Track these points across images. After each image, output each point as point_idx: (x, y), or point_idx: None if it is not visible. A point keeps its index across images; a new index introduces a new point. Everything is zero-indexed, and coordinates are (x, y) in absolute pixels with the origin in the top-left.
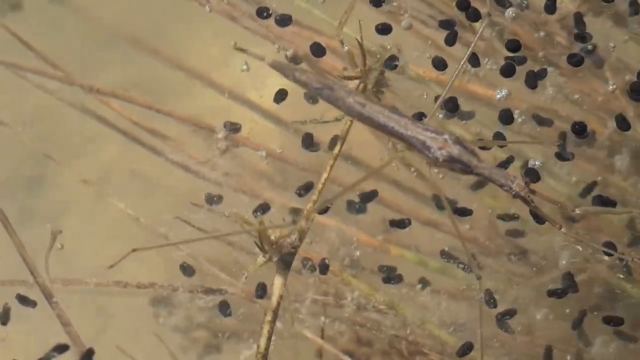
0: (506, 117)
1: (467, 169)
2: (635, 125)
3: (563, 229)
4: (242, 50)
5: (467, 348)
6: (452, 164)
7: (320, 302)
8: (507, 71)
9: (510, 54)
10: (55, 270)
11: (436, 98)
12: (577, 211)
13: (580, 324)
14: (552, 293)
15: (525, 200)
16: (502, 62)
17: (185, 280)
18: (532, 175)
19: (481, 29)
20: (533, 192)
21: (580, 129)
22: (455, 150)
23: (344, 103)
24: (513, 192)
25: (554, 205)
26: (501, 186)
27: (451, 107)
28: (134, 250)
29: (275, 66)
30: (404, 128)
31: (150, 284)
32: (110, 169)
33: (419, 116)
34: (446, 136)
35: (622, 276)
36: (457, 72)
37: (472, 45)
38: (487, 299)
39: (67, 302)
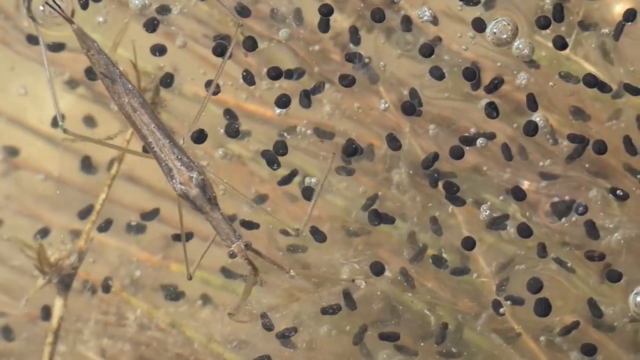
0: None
1: (198, 211)
2: (411, 140)
3: (292, 272)
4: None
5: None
6: (187, 200)
7: (102, 322)
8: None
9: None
10: None
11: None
12: (292, 273)
13: (361, 339)
14: (325, 311)
15: (248, 260)
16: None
17: None
18: (308, 193)
19: (226, 59)
20: (258, 253)
21: (351, 147)
22: (194, 191)
23: (119, 100)
24: (230, 252)
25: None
26: (224, 240)
27: (232, 132)
28: None
29: (79, 33)
30: (159, 149)
31: None
32: None
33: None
34: (194, 174)
35: (405, 290)
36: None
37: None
38: (264, 326)
39: None
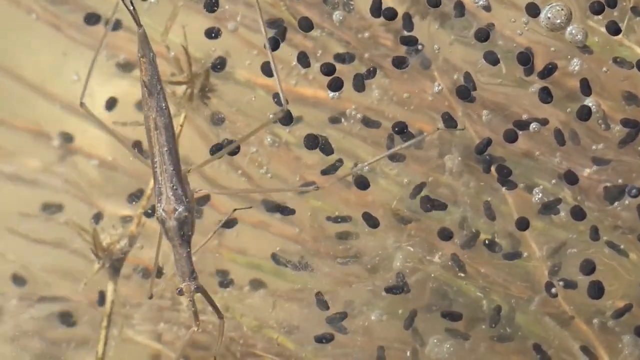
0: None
1: (168, 240)
2: (464, 125)
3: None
4: None
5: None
6: (162, 227)
7: (156, 306)
8: (329, 75)
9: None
10: None
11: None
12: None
13: (411, 324)
14: (389, 290)
15: (192, 303)
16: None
17: (16, 290)
18: (361, 182)
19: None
20: (207, 295)
21: (402, 130)
22: (171, 223)
23: (147, 111)
24: (178, 290)
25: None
26: (178, 277)
27: (286, 121)
28: None
29: (142, 38)
30: (160, 172)
31: None
32: None
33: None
34: (180, 208)
35: (457, 275)
36: None
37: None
38: (319, 302)
39: None
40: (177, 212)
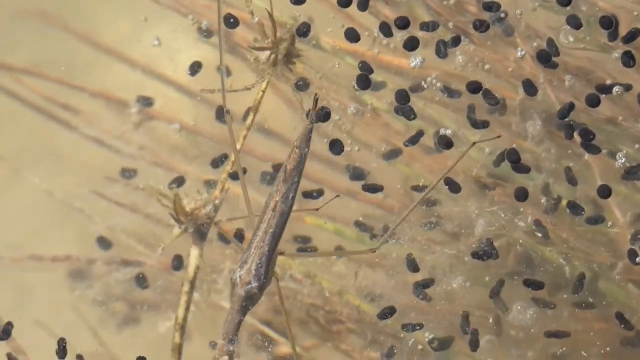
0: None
1: (230, 299)
2: (546, 90)
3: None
4: None
5: (387, 312)
6: (232, 290)
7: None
8: (410, 45)
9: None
10: None
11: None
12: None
13: (499, 291)
14: (476, 255)
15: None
16: (416, 32)
17: (101, 253)
18: (444, 141)
19: None
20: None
21: (479, 90)
22: (239, 291)
23: (272, 192)
24: (212, 342)
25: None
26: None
27: (361, 83)
28: None
29: (306, 132)
30: (255, 245)
31: (66, 257)
32: (24, 144)
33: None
34: (254, 285)
35: (539, 241)
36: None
37: None
38: (408, 265)
39: None
40: (249, 286)
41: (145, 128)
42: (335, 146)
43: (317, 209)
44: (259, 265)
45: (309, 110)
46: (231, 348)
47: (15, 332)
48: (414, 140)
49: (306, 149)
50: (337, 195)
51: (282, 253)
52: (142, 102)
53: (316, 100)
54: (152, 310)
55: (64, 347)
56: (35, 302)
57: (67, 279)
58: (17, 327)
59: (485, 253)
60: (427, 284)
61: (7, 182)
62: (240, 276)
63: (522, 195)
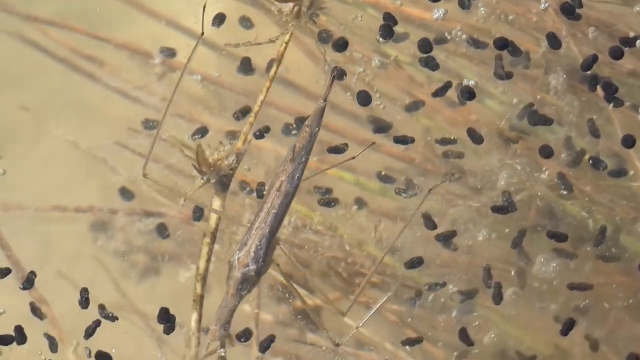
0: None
1: (226, 282)
2: (569, 44)
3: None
4: None
5: (416, 262)
6: (229, 273)
7: None
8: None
9: None
10: None
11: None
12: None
13: (520, 243)
14: (495, 209)
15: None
16: None
17: (124, 204)
18: (466, 93)
19: None
20: (230, 338)
21: (506, 47)
22: (236, 274)
23: (278, 172)
24: (205, 329)
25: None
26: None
27: (385, 33)
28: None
29: (319, 112)
30: (256, 225)
31: (89, 208)
32: (49, 96)
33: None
34: (251, 267)
35: (563, 193)
36: None
37: None
38: (426, 222)
39: (8, 228)
40: (246, 268)
41: (168, 79)
42: (363, 97)
43: (353, 158)
44: (259, 247)
45: (332, 68)
46: (224, 333)
47: (38, 282)
48: (440, 92)
49: (317, 128)
50: (373, 143)
51: (279, 243)
52: (165, 53)
53: (333, 77)
54: (173, 260)
55: (87, 298)
56: (58, 252)
57: (89, 230)
58: (39, 278)
59: (503, 207)
60: (448, 236)
61: (31, 133)
62: (238, 258)
63: (546, 152)
